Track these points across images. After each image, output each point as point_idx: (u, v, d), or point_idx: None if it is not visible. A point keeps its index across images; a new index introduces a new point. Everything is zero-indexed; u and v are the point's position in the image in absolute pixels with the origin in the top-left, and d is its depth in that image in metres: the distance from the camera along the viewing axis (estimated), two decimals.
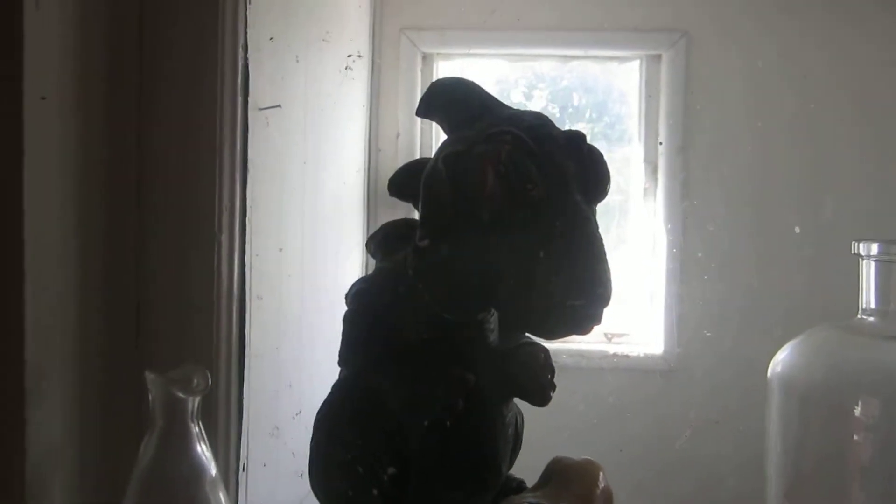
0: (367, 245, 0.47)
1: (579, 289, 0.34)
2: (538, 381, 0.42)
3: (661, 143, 2.42)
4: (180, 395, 0.43)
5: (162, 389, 0.43)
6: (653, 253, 2.34)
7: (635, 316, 2.34)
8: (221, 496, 0.44)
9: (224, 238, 0.54)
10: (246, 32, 0.57)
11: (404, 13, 2.38)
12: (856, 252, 0.45)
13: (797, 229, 2.21)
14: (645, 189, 2.45)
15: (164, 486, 0.43)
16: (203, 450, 0.43)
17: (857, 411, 0.43)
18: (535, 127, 0.36)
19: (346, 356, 0.42)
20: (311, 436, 0.42)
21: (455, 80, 0.40)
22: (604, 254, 0.35)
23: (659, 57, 2.45)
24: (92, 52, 0.50)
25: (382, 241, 0.45)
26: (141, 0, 0.52)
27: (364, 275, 0.49)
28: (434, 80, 0.40)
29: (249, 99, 0.58)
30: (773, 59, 2.28)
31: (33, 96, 0.46)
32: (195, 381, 0.43)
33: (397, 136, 2.44)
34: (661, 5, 2.37)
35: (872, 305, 0.45)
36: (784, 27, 2.29)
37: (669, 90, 2.42)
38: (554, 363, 0.45)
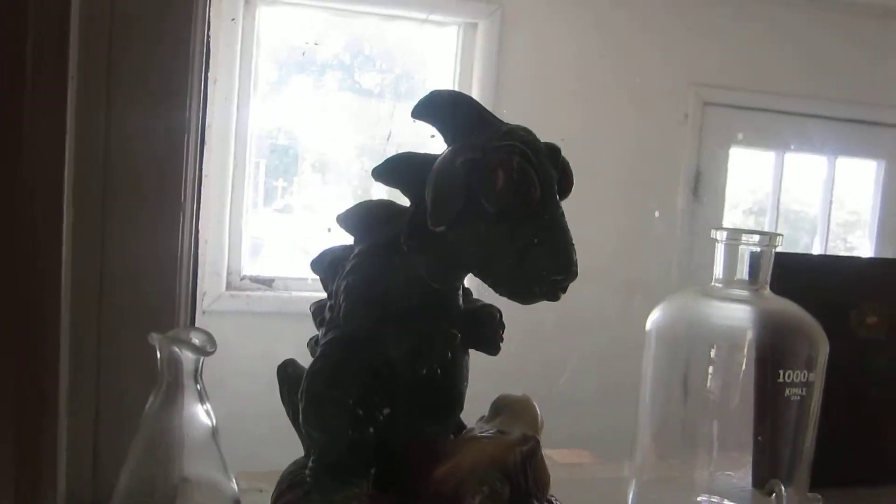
0: (342, 220, 0.55)
1: (561, 267, 0.45)
2: (495, 335, 0.53)
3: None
4: (190, 354, 0.49)
5: (168, 348, 0.49)
6: None
7: None
8: (218, 448, 0.51)
9: (187, 207, 0.57)
10: (209, 10, 0.59)
11: None
12: (713, 237, 0.61)
13: (656, 214, 2.50)
14: None
15: (167, 437, 0.49)
16: (206, 406, 0.50)
17: (713, 353, 0.59)
18: (530, 142, 0.46)
19: (347, 317, 0.50)
20: (302, 387, 0.50)
21: (452, 92, 0.49)
22: (572, 239, 0.47)
23: (475, 25, 2.61)
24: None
25: (362, 222, 0.53)
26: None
27: (333, 246, 0.56)
28: (434, 89, 0.48)
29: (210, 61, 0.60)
30: (586, 32, 2.51)
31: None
32: (201, 342, 0.49)
33: (214, 81, 2.38)
34: None
35: (721, 276, 0.61)
36: (593, 5, 2.52)
37: (483, 58, 2.58)
38: None
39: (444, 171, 0.47)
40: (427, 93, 0.49)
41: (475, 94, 2.57)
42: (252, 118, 2.49)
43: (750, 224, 2.98)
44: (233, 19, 2.39)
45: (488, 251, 0.46)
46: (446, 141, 0.49)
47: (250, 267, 2.57)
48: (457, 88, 2.60)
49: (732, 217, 2.86)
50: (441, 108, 0.49)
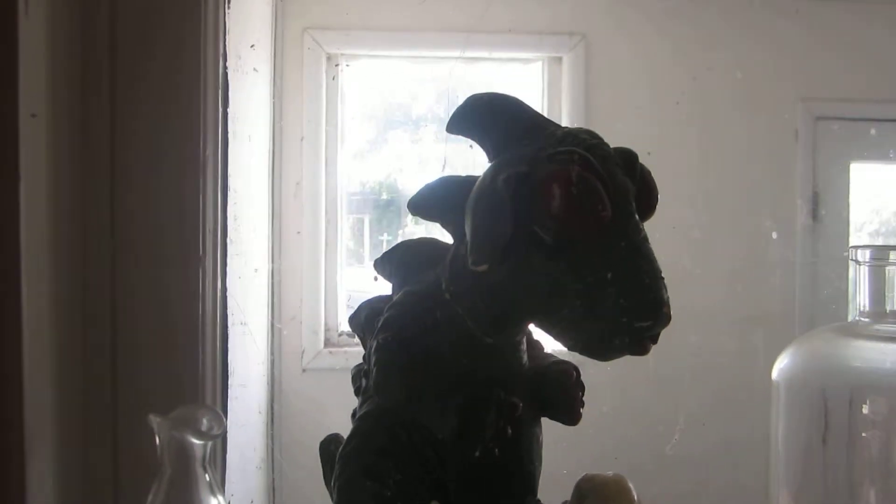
0: (379, 265, 0.45)
1: (646, 310, 0.34)
2: (571, 400, 0.42)
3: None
4: (193, 440, 0.39)
5: (168, 433, 0.40)
6: None
7: None
8: None
9: (208, 261, 0.50)
10: (225, 42, 0.53)
11: (307, 13, 2.32)
12: (853, 258, 0.48)
13: (774, 235, 2.32)
14: None
15: None
16: (219, 499, 0.40)
17: (866, 409, 0.45)
18: (595, 146, 0.36)
19: (383, 386, 0.40)
20: (334, 473, 0.40)
21: (494, 95, 0.39)
22: (661, 272, 0.35)
23: (560, 59, 2.52)
24: (69, 68, 0.45)
25: (402, 264, 0.43)
26: (111, 21, 0.48)
27: (372, 297, 0.47)
28: (470, 95, 0.38)
29: (229, 110, 0.54)
30: (667, 59, 2.39)
31: (25, 114, 0.41)
32: (207, 423, 0.40)
33: (301, 139, 2.39)
34: (560, 9, 2.43)
35: (868, 308, 0.47)
36: (676, 29, 2.39)
37: (570, 91, 2.49)
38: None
39: (483, 194, 0.36)
40: (463, 100, 0.39)
41: None
42: (346, 174, 2.50)
43: None
44: (334, 78, 2.41)
45: (548, 294, 0.35)
46: (489, 158, 0.39)
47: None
48: None
49: (857, 241, 2.60)
50: (479, 117, 0.38)
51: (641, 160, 0.39)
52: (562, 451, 0.50)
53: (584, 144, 0.35)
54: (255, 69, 2.03)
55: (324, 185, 2.43)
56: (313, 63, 2.39)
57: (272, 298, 2.17)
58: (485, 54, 2.54)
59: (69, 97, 0.46)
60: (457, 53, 2.52)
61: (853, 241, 2.55)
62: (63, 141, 0.45)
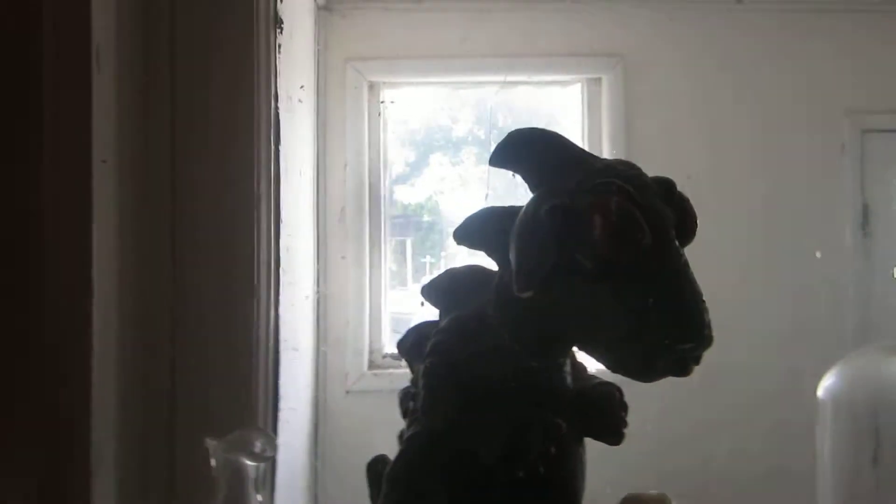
0: (425, 292, 0.47)
1: (688, 332, 0.35)
2: (614, 420, 0.43)
3: None
4: (247, 462, 0.41)
5: (224, 456, 0.42)
6: None
7: None
8: None
9: (262, 291, 0.53)
10: (276, 84, 0.56)
11: (348, 43, 2.37)
12: (894, 277, 0.48)
13: (824, 250, 2.28)
14: None
15: None
16: None
17: None
18: (634, 177, 0.37)
19: (431, 409, 0.41)
20: (382, 494, 0.42)
21: (535, 130, 0.41)
22: (702, 295, 0.36)
23: (599, 80, 2.52)
24: (135, 118, 0.49)
25: (448, 290, 0.45)
26: (172, 75, 0.52)
27: (420, 322, 0.49)
28: (512, 130, 0.40)
29: (281, 148, 0.57)
30: (707, 77, 2.38)
31: (98, 159, 0.45)
32: (260, 446, 0.42)
33: (345, 166, 2.43)
34: (599, 30, 2.44)
35: None
36: (716, 47, 2.38)
37: (610, 111, 2.49)
38: None
39: (527, 224, 0.38)
40: (505, 135, 0.41)
41: (605, 149, 2.47)
42: (388, 198, 2.53)
43: None
44: (382, 101, 2.45)
45: (591, 318, 0.36)
46: (532, 189, 0.41)
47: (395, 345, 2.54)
48: (586, 144, 2.53)
49: None
50: (521, 151, 0.40)
51: (680, 185, 0.40)
52: (606, 470, 0.50)
53: (622, 175, 0.37)
54: (299, 100, 2.08)
55: (367, 209, 2.46)
56: (356, 91, 2.43)
57: (318, 323, 2.20)
58: (524, 78, 2.56)
59: (135, 144, 0.50)
60: (496, 78, 2.54)
61: None
62: (129, 183, 0.48)
